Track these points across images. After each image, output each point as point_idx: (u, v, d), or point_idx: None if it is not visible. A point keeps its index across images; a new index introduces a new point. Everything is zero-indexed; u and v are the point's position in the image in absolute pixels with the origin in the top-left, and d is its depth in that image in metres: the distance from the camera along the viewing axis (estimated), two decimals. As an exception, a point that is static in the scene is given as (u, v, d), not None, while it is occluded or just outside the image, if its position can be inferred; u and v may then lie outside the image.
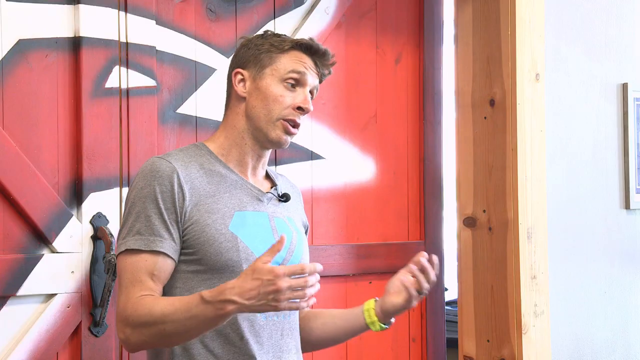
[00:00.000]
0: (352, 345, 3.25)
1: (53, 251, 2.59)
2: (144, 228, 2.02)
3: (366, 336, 3.28)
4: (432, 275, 2.18)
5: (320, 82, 2.20)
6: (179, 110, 2.86)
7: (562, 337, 3.52)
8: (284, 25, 3.10)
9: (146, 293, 2.00)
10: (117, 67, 2.71)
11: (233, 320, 2.04)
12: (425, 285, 2.18)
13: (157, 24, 2.80)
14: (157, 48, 2.80)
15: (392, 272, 3.37)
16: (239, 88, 2.15)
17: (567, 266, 3.56)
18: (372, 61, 3.36)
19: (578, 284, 3.61)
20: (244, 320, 2.06)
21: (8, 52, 2.54)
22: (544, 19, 3.43)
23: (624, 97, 3.78)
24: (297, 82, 2.13)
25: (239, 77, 2.15)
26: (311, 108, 2.13)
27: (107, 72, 2.69)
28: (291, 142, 2.10)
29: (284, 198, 2.22)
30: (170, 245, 2.03)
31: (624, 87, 3.78)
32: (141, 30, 2.76)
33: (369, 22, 3.36)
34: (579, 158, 3.64)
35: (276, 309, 1.86)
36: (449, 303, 5.54)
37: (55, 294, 2.59)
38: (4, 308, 2.52)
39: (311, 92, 2.16)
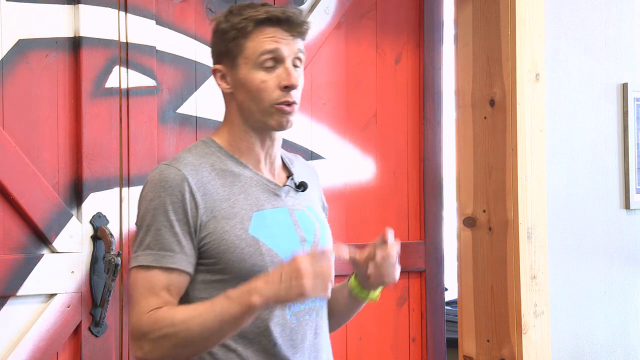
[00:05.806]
0: (352, 345, 3.25)
1: (53, 251, 2.59)
2: (154, 242, 1.92)
3: (366, 336, 3.28)
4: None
5: (303, 39, 2.04)
6: (179, 110, 2.86)
7: (562, 337, 3.52)
8: (284, 25, 3.09)
9: (161, 305, 1.91)
10: (117, 67, 2.71)
11: (264, 328, 1.97)
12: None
13: (157, 24, 2.80)
14: (157, 48, 2.80)
15: (392, 272, 3.39)
16: (223, 85, 2.04)
17: (567, 266, 3.56)
18: (372, 61, 3.36)
19: (578, 284, 3.60)
20: (276, 326, 1.98)
21: (8, 52, 2.54)
22: (544, 19, 3.43)
23: (624, 97, 3.78)
24: (274, 60, 1.99)
25: (219, 74, 2.05)
26: (297, 82, 1.99)
27: (107, 72, 2.69)
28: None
29: (302, 188, 2.12)
30: (182, 259, 1.93)
31: (624, 87, 3.78)
32: (141, 30, 2.76)
33: (369, 22, 3.36)
34: (579, 158, 3.64)
35: (303, 290, 1.84)
36: (449, 303, 5.52)
37: (55, 294, 2.59)
38: (4, 308, 2.52)
39: (298, 58, 2.02)
